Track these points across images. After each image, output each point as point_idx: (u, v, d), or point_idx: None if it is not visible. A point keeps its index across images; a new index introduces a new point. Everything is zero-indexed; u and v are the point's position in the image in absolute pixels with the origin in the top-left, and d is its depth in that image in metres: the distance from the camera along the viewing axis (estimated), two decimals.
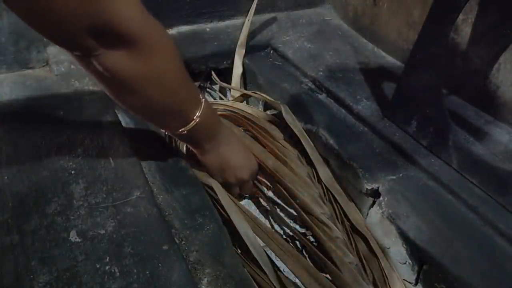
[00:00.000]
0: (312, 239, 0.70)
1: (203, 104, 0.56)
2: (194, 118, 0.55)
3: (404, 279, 0.65)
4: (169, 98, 0.52)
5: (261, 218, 0.76)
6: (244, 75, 0.98)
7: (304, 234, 0.71)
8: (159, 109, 0.53)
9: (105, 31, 0.41)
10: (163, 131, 0.69)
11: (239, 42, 0.97)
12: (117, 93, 0.51)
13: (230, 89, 1.00)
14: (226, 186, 0.66)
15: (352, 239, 0.69)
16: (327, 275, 0.62)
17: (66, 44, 0.45)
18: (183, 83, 0.54)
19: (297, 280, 0.61)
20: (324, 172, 0.76)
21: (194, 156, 0.72)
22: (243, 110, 0.84)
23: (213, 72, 0.96)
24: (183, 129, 0.55)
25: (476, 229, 0.61)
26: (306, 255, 0.70)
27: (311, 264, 0.61)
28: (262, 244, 0.60)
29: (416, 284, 0.63)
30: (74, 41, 0.43)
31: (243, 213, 0.62)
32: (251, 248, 0.57)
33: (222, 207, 0.61)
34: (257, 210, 0.77)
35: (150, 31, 0.45)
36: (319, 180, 0.76)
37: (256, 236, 0.59)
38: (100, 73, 0.46)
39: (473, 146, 0.72)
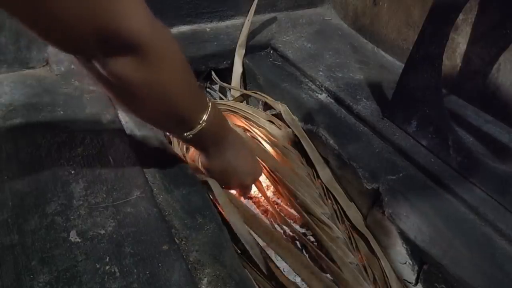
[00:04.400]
0: (312, 239, 0.70)
1: (209, 108, 0.54)
2: (200, 122, 0.54)
3: (404, 279, 0.65)
4: (176, 104, 0.51)
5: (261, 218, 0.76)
6: (244, 75, 0.98)
7: (305, 234, 0.71)
8: (165, 114, 0.52)
9: (112, 38, 0.40)
10: (168, 134, 0.68)
11: (239, 42, 0.97)
12: (122, 99, 0.49)
13: (230, 89, 1.00)
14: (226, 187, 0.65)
15: (352, 239, 0.69)
16: (328, 275, 0.62)
17: (70, 49, 0.43)
18: (190, 88, 0.53)
19: (297, 280, 0.61)
20: (324, 172, 0.76)
21: (194, 157, 0.72)
22: (243, 110, 0.84)
23: (213, 72, 0.96)
24: (188, 133, 0.54)
25: (476, 229, 0.61)
26: (307, 255, 0.70)
27: (311, 262, 0.61)
28: (262, 243, 0.60)
29: (416, 284, 0.63)
30: (79, 47, 0.42)
31: (242, 212, 0.62)
32: (248, 249, 0.57)
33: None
34: (257, 210, 0.77)
35: (159, 38, 0.44)
36: (319, 180, 0.76)
37: (254, 236, 0.59)
38: (105, 79, 0.44)
39: (473, 146, 0.72)
